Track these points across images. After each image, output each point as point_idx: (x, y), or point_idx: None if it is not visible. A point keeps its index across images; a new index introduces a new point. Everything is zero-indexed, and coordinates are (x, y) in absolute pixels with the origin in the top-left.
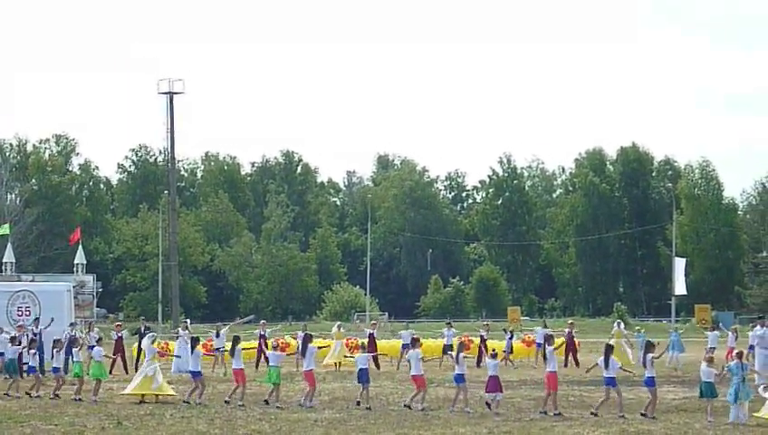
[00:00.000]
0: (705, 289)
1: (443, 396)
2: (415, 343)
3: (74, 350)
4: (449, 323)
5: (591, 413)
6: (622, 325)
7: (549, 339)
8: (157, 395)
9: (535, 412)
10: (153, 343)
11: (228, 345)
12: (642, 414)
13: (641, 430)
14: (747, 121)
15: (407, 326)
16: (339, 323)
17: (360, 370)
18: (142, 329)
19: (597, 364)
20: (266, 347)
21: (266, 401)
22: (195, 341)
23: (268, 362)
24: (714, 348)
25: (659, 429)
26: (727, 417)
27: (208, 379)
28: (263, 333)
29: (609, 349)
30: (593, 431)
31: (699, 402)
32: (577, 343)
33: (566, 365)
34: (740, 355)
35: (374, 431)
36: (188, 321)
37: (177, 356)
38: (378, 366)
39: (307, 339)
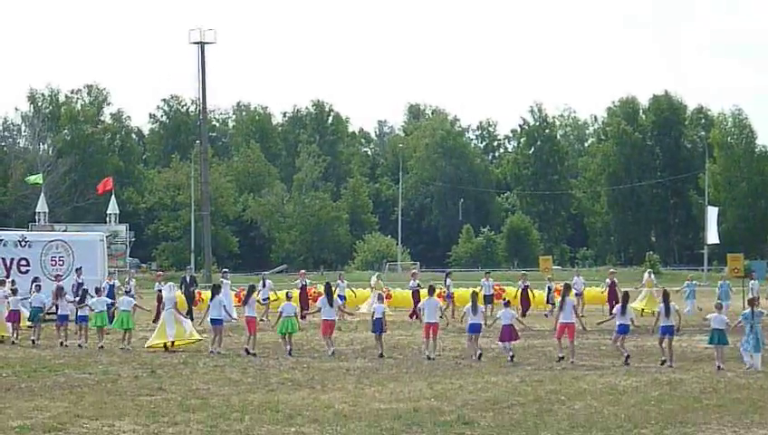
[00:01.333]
0: (738, 238)
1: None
2: (432, 291)
3: (96, 299)
4: (488, 273)
5: (662, 362)
6: (653, 275)
7: (567, 289)
8: (173, 343)
9: (567, 361)
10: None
11: (273, 296)
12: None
13: (674, 379)
14: None
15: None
16: (378, 273)
17: (377, 319)
18: (188, 278)
19: (659, 312)
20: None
21: (290, 353)
22: (216, 289)
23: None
24: (757, 297)
25: (692, 377)
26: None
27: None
28: (303, 283)
29: (667, 295)
30: (625, 380)
31: (731, 351)
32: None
33: (611, 313)
34: (752, 302)
35: (406, 380)
36: (227, 271)
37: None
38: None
39: (329, 289)
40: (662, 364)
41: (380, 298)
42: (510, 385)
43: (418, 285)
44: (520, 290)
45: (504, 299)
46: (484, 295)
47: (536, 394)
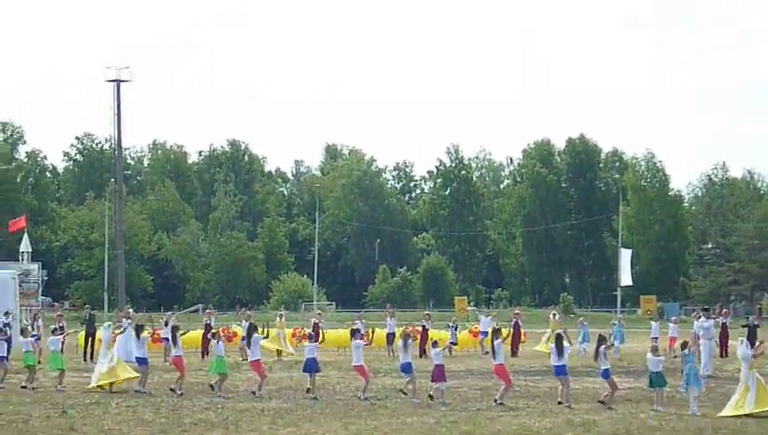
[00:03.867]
0: (651, 280)
1: (390, 386)
2: (356, 333)
3: (23, 340)
4: (392, 313)
5: (559, 402)
6: (558, 316)
7: (496, 332)
8: (111, 383)
9: (482, 402)
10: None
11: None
12: (600, 401)
13: (587, 421)
14: (694, 115)
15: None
16: (281, 312)
17: (308, 359)
18: (87, 316)
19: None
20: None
21: (212, 386)
22: (139, 328)
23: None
24: (656, 338)
25: (604, 419)
26: (683, 408)
27: (156, 368)
28: (208, 322)
29: (560, 338)
30: (539, 422)
31: (644, 393)
32: (523, 333)
33: (513, 355)
34: (684, 345)
35: (321, 421)
36: (132, 309)
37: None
38: None
39: (252, 329)
40: (560, 404)
41: (311, 337)
42: (425, 426)
43: (316, 324)
44: (420, 328)
45: (433, 340)
46: (387, 334)
47: None
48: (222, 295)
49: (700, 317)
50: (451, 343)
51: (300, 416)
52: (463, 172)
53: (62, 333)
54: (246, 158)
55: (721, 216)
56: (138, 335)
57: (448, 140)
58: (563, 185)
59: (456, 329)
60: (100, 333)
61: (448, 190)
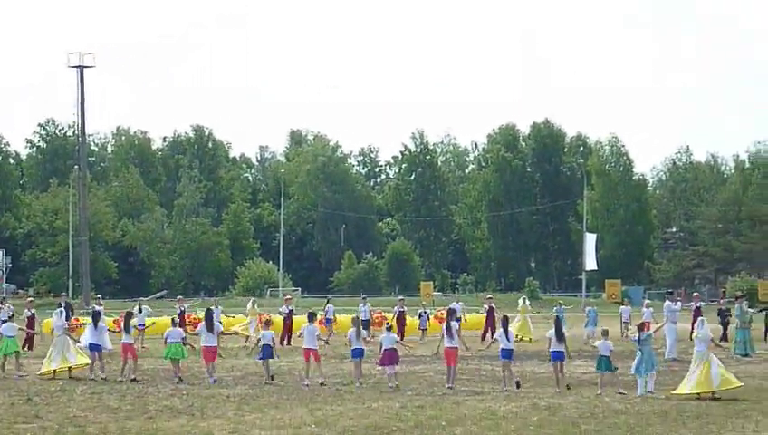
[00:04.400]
0: (616, 264)
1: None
2: (312, 317)
3: None
4: (364, 299)
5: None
6: (527, 301)
7: (452, 314)
8: (70, 368)
9: (448, 386)
10: (65, 317)
11: (148, 321)
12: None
13: (553, 405)
14: (658, 98)
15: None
16: (253, 299)
17: (265, 346)
18: (63, 304)
19: (496, 339)
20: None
21: (180, 378)
22: (97, 314)
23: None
24: (627, 322)
25: (570, 402)
26: (635, 390)
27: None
28: (182, 309)
29: (506, 322)
30: (505, 405)
31: (609, 377)
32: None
33: (483, 338)
34: (641, 327)
35: (287, 407)
36: (101, 297)
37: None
38: (289, 342)
39: (209, 313)
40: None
41: (268, 323)
42: (390, 411)
43: (291, 311)
44: (396, 315)
45: (387, 324)
46: (361, 320)
47: (417, 420)
48: (187, 282)
49: (666, 301)
50: (422, 329)
51: (265, 402)
52: (428, 157)
53: (30, 324)
54: (211, 144)
55: (685, 200)
56: (95, 323)
57: (413, 125)
58: (528, 169)
59: (427, 316)
60: (53, 320)
61: (413, 175)
